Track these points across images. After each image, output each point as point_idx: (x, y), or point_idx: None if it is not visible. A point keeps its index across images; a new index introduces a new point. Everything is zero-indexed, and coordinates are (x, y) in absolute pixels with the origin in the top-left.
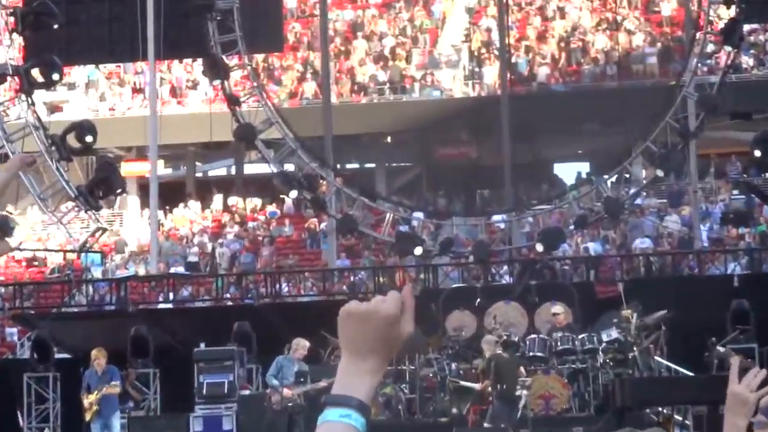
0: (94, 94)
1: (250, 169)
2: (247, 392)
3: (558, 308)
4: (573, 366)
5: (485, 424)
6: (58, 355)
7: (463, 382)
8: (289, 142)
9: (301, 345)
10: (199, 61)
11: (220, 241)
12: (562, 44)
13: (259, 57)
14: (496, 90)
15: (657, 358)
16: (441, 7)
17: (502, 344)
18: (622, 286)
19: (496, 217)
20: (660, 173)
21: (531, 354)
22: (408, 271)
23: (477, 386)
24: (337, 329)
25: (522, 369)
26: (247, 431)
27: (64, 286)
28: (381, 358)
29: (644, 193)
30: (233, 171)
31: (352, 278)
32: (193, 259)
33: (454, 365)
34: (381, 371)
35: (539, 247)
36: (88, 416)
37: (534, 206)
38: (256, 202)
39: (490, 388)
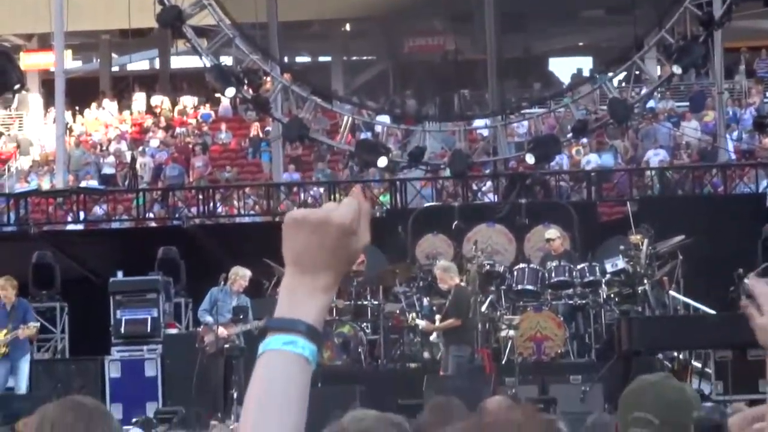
0: None
1: (177, 62)
2: (174, 331)
3: (553, 232)
4: (570, 302)
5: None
6: None
7: (419, 321)
8: (224, 29)
9: (239, 275)
10: None
11: (141, 149)
12: None
13: None
14: None
15: (672, 292)
16: None
17: (484, 275)
18: (630, 207)
19: (477, 123)
20: (677, 70)
21: (519, 287)
22: (370, 187)
23: (422, 323)
24: (282, 240)
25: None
26: (174, 378)
27: None
28: (334, 274)
29: (658, 95)
30: (157, 65)
31: (301, 195)
32: (108, 170)
33: (425, 300)
34: (333, 289)
35: (530, 159)
36: None
37: (524, 109)
38: (186, 102)
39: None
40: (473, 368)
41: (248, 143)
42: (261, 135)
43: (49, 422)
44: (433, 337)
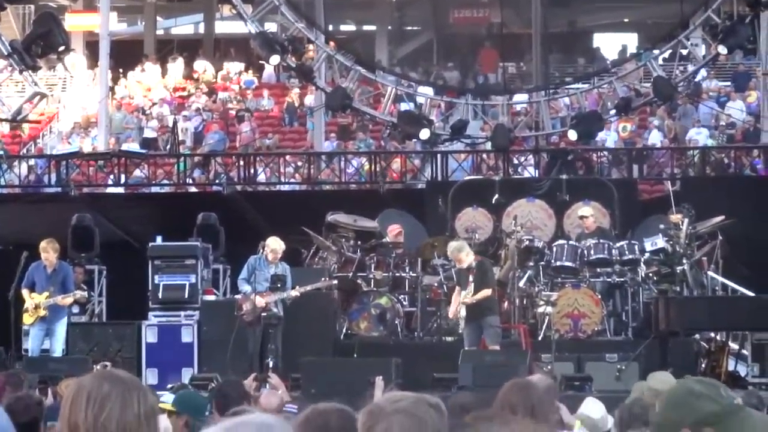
0: None
1: (222, 27)
2: (211, 298)
3: (586, 210)
4: (608, 280)
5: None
6: None
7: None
8: None
9: (271, 248)
10: None
11: (183, 113)
12: None
13: None
14: None
15: (710, 273)
16: None
17: (523, 250)
18: (671, 186)
19: (520, 97)
20: (723, 51)
21: (558, 263)
22: (411, 158)
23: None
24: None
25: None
26: (211, 345)
27: None
28: None
29: (704, 73)
30: (201, 29)
31: (342, 165)
32: (150, 134)
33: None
34: None
35: (572, 135)
36: (28, 319)
37: (567, 84)
38: (229, 68)
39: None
40: (509, 344)
41: (290, 111)
42: (297, 103)
43: (85, 392)
44: (452, 314)
